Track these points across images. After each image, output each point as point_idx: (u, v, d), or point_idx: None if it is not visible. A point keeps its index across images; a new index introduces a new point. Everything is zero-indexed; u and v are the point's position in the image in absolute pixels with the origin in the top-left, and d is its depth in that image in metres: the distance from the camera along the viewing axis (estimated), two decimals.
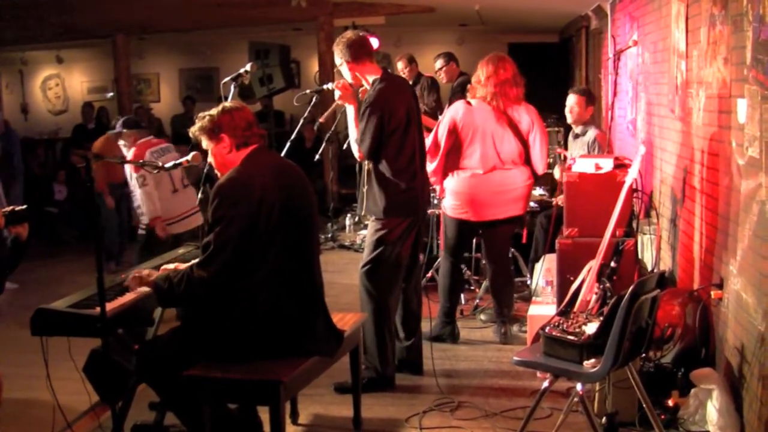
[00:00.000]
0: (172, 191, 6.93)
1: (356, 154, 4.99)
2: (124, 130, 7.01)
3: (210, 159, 3.92)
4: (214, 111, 3.85)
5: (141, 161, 4.99)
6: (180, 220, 6.94)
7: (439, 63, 8.96)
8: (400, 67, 9.32)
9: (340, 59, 5.01)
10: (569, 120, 6.85)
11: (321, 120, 5.46)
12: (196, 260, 3.68)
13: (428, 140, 5.69)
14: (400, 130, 4.85)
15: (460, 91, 8.18)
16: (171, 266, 4.00)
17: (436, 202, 6.54)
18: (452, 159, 5.66)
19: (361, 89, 5.06)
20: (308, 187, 3.98)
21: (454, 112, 5.66)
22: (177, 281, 3.67)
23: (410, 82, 9.26)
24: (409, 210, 4.95)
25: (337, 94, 5.03)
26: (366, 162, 4.99)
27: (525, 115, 5.65)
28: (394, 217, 4.91)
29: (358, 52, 4.95)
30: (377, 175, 4.92)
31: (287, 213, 3.71)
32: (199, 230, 6.45)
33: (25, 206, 3.99)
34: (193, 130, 3.87)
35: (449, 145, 5.62)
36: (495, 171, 5.59)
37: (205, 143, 3.87)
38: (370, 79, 4.97)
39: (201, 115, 3.89)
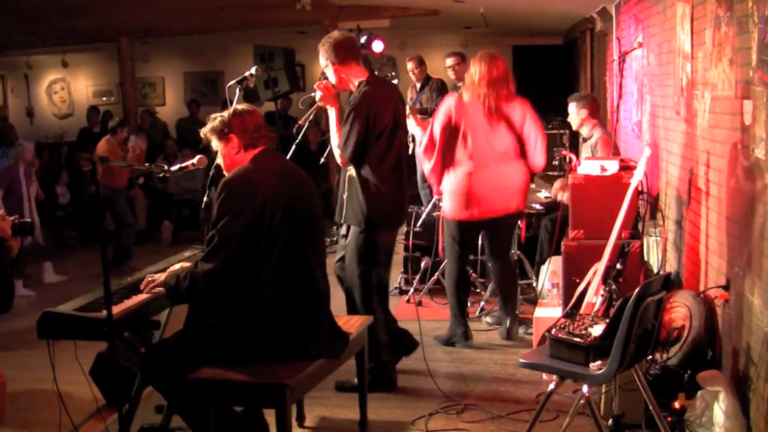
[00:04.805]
0: None
1: (338, 159, 4.90)
2: None
3: (219, 160, 3.99)
4: (225, 113, 3.94)
5: (147, 164, 4.99)
6: None
7: (451, 60, 8.96)
8: (410, 68, 9.33)
9: (325, 60, 4.91)
10: (573, 128, 6.86)
11: (300, 122, 5.38)
12: (202, 255, 3.74)
13: (424, 139, 5.68)
14: (385, 134, 4.79)
15: None
16: (177, 266, 4.03)
17: (436, 202, 6.55)
18: (447, 155, 5.62)
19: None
20: (314, 193, 4.03)
21: (447, 106, 5.62)
22: (183, 277, 3.72)
23: (419, 84, 9.29)
24: (392, 222, 4.95)
25: (318, 95, 4.95)
26: (348, 167, 4.91)
27: (518, 109, 5.61)
28: (377, 228, 4.87)
29: (345, 54, 4.87)
30: (361, 182, 4.82)
31: (290, 215, 3.74)
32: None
33: (29, 220, 3.97)
34: (204, 131, 3.96)
35: (444, 140, 5.58)
36: (490, 167, 5.54)
37: (215, 144, 3.95)
38: (356, 81, 4.89)
39: (212, 116, 3.98)
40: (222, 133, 3.89)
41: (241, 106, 4.01)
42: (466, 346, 5.80)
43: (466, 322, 5.90)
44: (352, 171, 4.89)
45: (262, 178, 3.76)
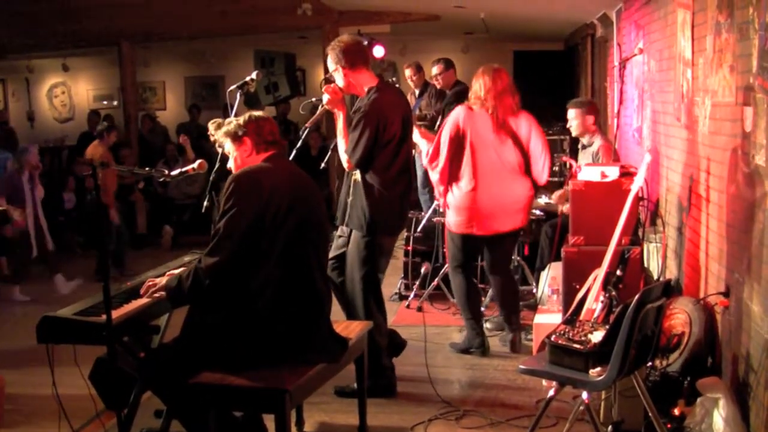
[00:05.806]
0: None
1: (344, 163, 4.88)
2: None
3: (230, 163, 4.05)
4: (241, 118, 4.03)
5: (147, 168, 4.97)
6: None
7: (437, 69, 8.94)
8: (408, 74, 9.31)
9: (334, 64, 4.87)
10: (573, 133, 6.82)
11: (307, 125, 5.32)
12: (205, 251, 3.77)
13: (431, 148, 5.66)
14: (394, 142, 4.78)
15: (455, 100, 8.12)
16: (177, 271, 4.04)
17: (436, 208, 6.51)
18: (453, 167, 5.58)
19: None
20: (319, 199, 4.08)
21: (456, 116, 5.58)
22: (185, 276, 3.76)
23: (417, 90, 9.28)
24: (394, 227, 4.94)
25: (326, 98, 4.89)
26: (353, 171, 4.88)
27: (523, 123, 5.57)
28: (379, 233, 4.86)
29: (355, 59, 4.84)
30: (366, 187, 4.81)
31: (293, 216, 3.77)
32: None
33: (4, 208, 3.94)
34: (218, 134, 4.04)
35: (452, 150, 5.55)
36: (496, 182, 5.50)
37: (228, 146, 4.02)
38: (365, 87, 4.87)
39: (227, 120, 4.07)
40: (236, 135, 3.97)
41: (257, 113, 4.10)
42: (483, 357, 5.72)
43: (483, 332, 5.83)
44: (357, 175, 4.87)
45: (269, 177, 3.81)
